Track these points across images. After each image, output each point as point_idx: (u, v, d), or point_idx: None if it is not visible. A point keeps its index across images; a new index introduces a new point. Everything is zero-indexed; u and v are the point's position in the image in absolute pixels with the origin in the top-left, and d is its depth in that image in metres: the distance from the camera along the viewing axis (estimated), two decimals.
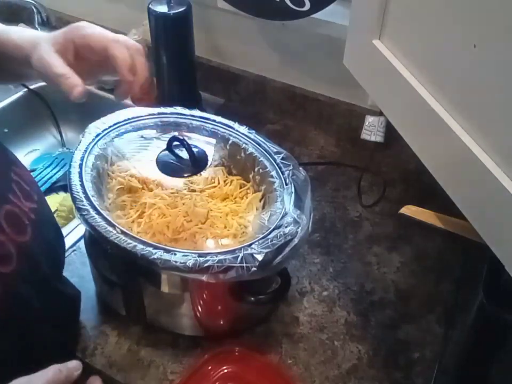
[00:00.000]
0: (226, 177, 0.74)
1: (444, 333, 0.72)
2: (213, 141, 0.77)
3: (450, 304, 0.75)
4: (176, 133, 0.76)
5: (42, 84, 1.21)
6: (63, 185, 1.05)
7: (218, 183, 0.73)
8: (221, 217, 0.68)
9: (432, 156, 0.52)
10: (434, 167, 0.51)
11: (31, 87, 1.18)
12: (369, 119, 1.00)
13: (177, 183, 0.72)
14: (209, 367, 0.66)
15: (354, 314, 0.75)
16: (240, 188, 0.74)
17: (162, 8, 0.96)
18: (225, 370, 0.66)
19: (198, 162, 0.74)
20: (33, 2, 1.18)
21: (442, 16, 0.48)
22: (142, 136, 0.77)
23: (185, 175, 0.72)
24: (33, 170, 1.08)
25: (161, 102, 1.09)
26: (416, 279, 0.80)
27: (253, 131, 0.77)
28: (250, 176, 0.74)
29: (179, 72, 1.04)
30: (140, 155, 0.75)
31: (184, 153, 0.73)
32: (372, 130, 1.01)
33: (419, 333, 0.73)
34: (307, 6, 0.89)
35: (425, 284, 0.79)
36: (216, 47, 1.13)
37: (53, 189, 1.05)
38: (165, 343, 0.70)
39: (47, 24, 1.22)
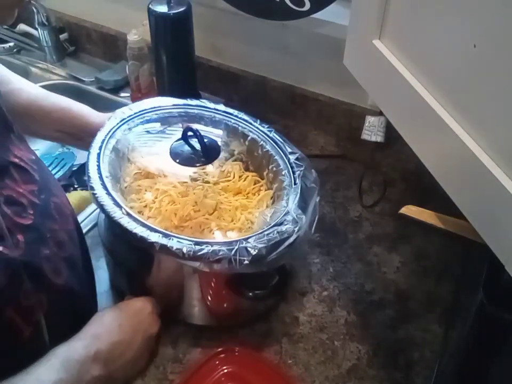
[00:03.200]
0: (243, 172, 0.77)
1: (444, 333, 0.72)
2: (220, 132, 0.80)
3: (450, 304, 0.75)
4: (191, 125, 0.78)
5: (43, 83, 1.22)
6: (63, 185, 1.05)
7: (234, 177, 0.75)
8: (229, 210, 0.70)
9: (432, 156, 0.52)
10: (434, 167, 0.51)
11: None
12: (370, 120, 1.00)
13: (191, 173, 0.74)
14: (209, 367, 0.66)
15: (354, 314, 0.75)
16: (254, 184, 0.76)
17: (162, 8, 0.96)
18: (225, 370, 0.66)
19: (209, 153, 0.76)
20: (33, 2, 1.18)
21: (442, 16, 0.48)
22: (164, 126, 0.79)
23: (197, 165, 0.74)
24: None
25: None
26: (416, 279, 0.80)
27: (272, 129, 0.79)
28: (265, 173, 0.76)
29: (179, 72, 1.04)
30: (160, 143, 0.77)
31: (198, 144, 0.76)
32: (372, 131, 1.01)
33: (419, 333, 0.73)
34: (307, 6, 0.89)
35: (425, 284, 0.79)
36: (216, 47, 1.13)
37: None
38: (165, 343, 0.70)
39: (47, 24, 1.22)
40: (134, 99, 1.14)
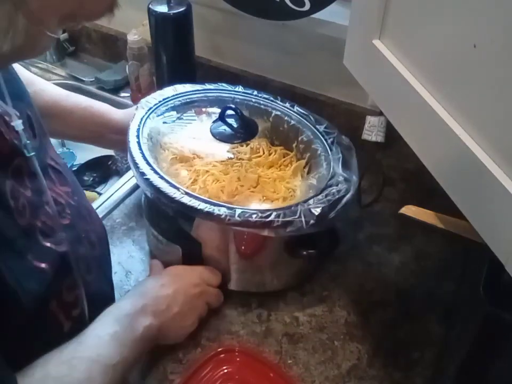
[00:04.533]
0: (270, 147, 0.81)
1: (444, 333, 0.72)
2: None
3: (450, 304, 0.75)
4: (228, 105, 0.82)
5: None
6: None
7: (263, 153, 0.79)
8: (269, 182, 0.75)
9: (432, 156, 0.52)
10: (434, 167, 0.51)
11: None
12: (370, 120, 1.00)
13: (224, 152, 0.78)
14: (209, 367, 0.66)
15: (354, 314, 0.75)
16: (284, 157, 0.80)
17: (162, 8, 0.96)
18: (225, 370, 0.66)
19: (249, 129, 0.80)
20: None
21: (442, 16, 0.48)
22: (187, 111, 0.84)
23: (238, 141, 0.79)
24: None
25: None
26: (416, 279, 0.80)
27: (294, 104, 0.85)
28: (294, 145, 0.81)
29: (179, 72, 1.04)
30: (188, 128, 0.81)
31: (234, 123, 0.80)
32: (372, 131, 1.01)
33: (419, 333, 0.73)
34: (307, 6, 0.89)
35: (425, 284, 0.79)
36: (216, 47, 1.13)
37: None
38: (165, 343, 0.70)
39: None
40: (134, 99, 1.14)
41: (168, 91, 0.84)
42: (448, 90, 0.48)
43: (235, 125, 0.80)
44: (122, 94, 1.18)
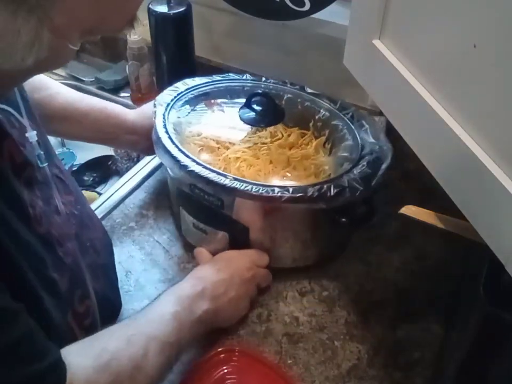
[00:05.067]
0: (286, 129, 0.84)
1: (444, 333, 0.72)
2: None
3: (450, 304, 0.75)
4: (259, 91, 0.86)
5: None
6: None
7: (282, 136, 0.82)
8: (298, 161, 0.78)
9: (432, 156, 0.52)
10: (434, 167, 0.51)
11: None
12: None
13: (246, 139, 0.81)
14: (209, 368, 0.66)
15: (354, 314, 0.75)
16: (302, 137, 0.83)
17: (162, 8, 0.96)
18: (225, 370, 0.66)
19: (278, 112, 0.83)
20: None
21: (442, 16, 0.48)
22: (199, 103, 0.87)
23: (268, 124, 0.82)
24: None
25: None
26: (416, 279, 0.80)
27: (304, 86, 0.88)
28: (310, 124, 0.84)
29: (179, 72, 1.04)
30: (203, 119, 0.85)
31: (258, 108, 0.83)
32: None
33: (419, 333, 0.73)
34: (307, 6, 0.89)
35: (425, 284, 0.79)
36: (216, 47, 1.13)
37: None
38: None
39: None
40: (134, 99, 1.14)
41: (180, 86, 0.87)
42: (448, 90, 0.48)
43: (261, 110, 0.82)
44: (122, 94, 1.18)
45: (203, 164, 0.71)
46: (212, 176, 0.69)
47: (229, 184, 0.68)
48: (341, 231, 0.79)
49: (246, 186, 0.67)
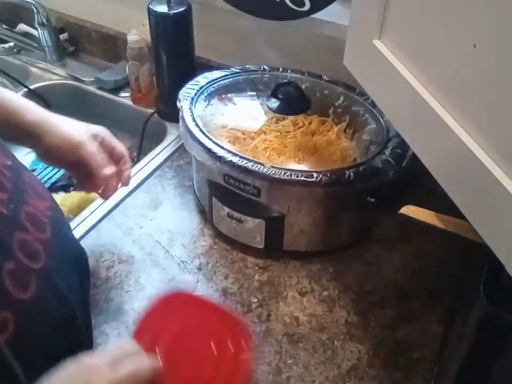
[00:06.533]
0: (305, 117, 0.86)
1: (443, 333, 0.72)
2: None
3: (451, 304, 0.75)
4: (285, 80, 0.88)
5: (43, 83, 1.22)
6: (63, 185, 1.05)
7: (304, 124, 0.85)
8: (323, 147, 0.81)
9: (432, 155, 0.52)
10: (434, 167, 0.51)
11: (31, 87, 1.18)
12: None
13: (270, 129, 0.83)
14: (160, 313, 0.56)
15: (354, 314, 0.75)
16: (323, 124, 0.86)
17: (162, 8, 0.96)
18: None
19: (306, 100, 0.84)
20: (33, 2, 1.18)
21: (443, 16, 0.48)
22: (222, 95, 0.89)
23: (296, 112, 0.84)
24: (33, 170, 1.08)
25: (161, 102, 1.10)
26: (416, 279, 0.80)
27: (322, 75, 0.90)
28: (330, 111, 0.87)
29: (179, 72, 1.04)
30: (223, 112, 0.87)
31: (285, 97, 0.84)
32: None
33: (419, 333, 0.73)
34: (307, 6, 0.89)
35: (425, 284, 0.79)
36: (216, 47, 1.13)
37: (52, 189, 1.05)
38: None
39: (47, 24, 1.22)
40: (134, 99, 1.14)
41: (201, 80, 0.89)
42: (448, 90, 0.48)
43: (287, 99, 0.83)
44: (122, 94, 1.18)
45: (239, 153, 0.72)
46: (250, 165, 0.70)
47: (268, 172, 0.70)
48: (369, 213, 0.82)
49: (285, 173, 0.69)
